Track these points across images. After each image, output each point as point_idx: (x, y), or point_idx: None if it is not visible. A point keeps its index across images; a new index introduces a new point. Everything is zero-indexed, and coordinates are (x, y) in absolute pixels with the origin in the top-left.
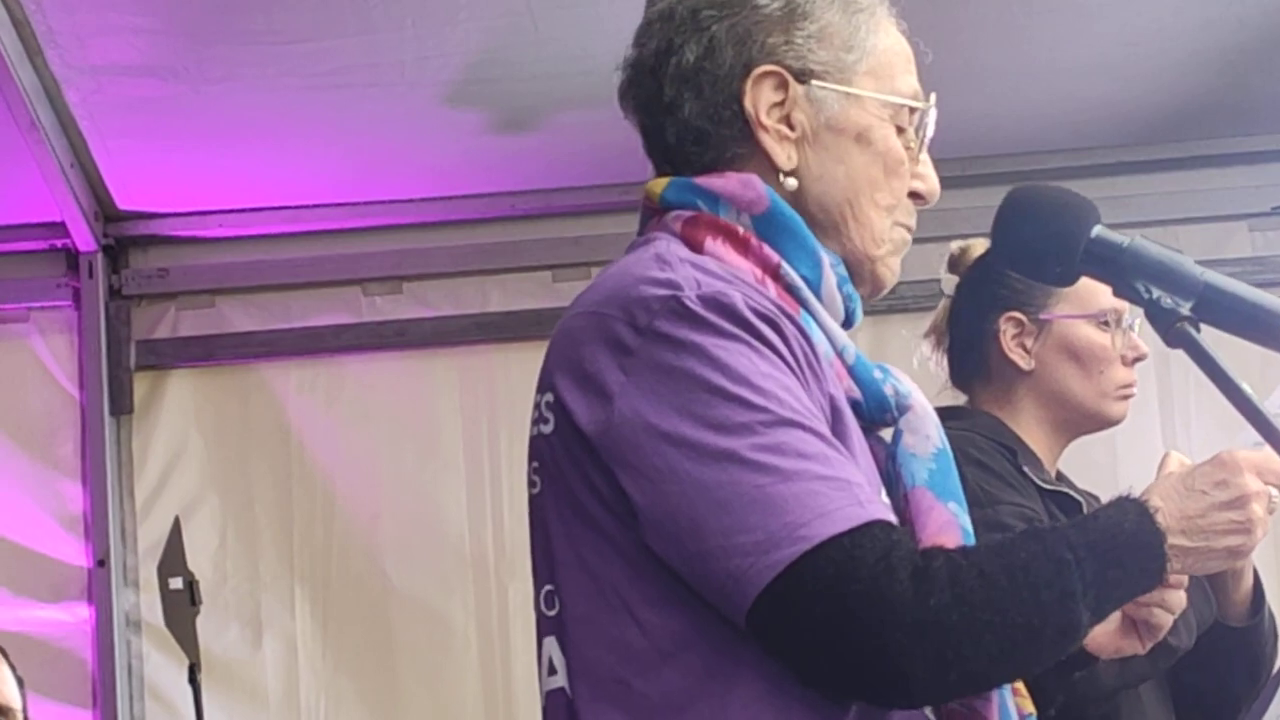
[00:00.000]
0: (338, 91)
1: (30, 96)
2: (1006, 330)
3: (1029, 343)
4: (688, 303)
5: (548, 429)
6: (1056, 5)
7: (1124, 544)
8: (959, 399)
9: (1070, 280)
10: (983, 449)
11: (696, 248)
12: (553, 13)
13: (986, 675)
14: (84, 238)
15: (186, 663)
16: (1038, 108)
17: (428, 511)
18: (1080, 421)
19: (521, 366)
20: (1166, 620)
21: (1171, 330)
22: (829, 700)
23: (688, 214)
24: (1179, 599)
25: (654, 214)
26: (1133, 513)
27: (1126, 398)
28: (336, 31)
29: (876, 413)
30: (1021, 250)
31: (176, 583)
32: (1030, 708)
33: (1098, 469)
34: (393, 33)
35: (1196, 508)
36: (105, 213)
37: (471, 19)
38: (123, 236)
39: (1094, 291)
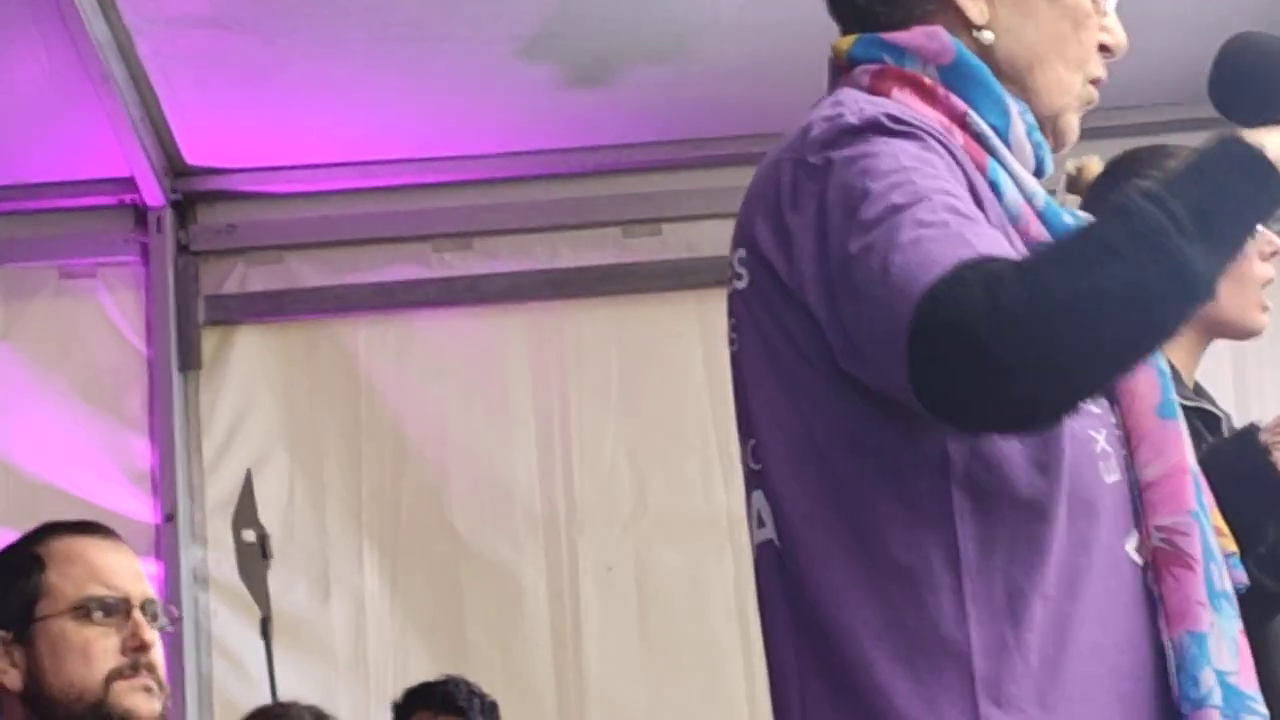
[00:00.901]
0: (411, 45)
1: (103, 49)
2: None
3: None
4: (846, 123)
5: (741, 285)
6: None
7: (1213, 164)
8: None
9: None
10: None
11: (884, 98)
12: None
13: (1096, 349)
14: (153, 193)
15: (255, 619)
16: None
17: (497, 468)
18: (1219, 329)
19: (592, 322)
20: None
21: None
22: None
23: (875, 67)
24: None
25: (841, 72)
26: (1216, 141)
27: (1265, 308)
28: None
29: None
30: (1238, 97)
31: (249, 535)
32: (1232, 547)
33: None
34: None
35: None
36: (174, 168)
37: None
38: (191, 192)
39: None
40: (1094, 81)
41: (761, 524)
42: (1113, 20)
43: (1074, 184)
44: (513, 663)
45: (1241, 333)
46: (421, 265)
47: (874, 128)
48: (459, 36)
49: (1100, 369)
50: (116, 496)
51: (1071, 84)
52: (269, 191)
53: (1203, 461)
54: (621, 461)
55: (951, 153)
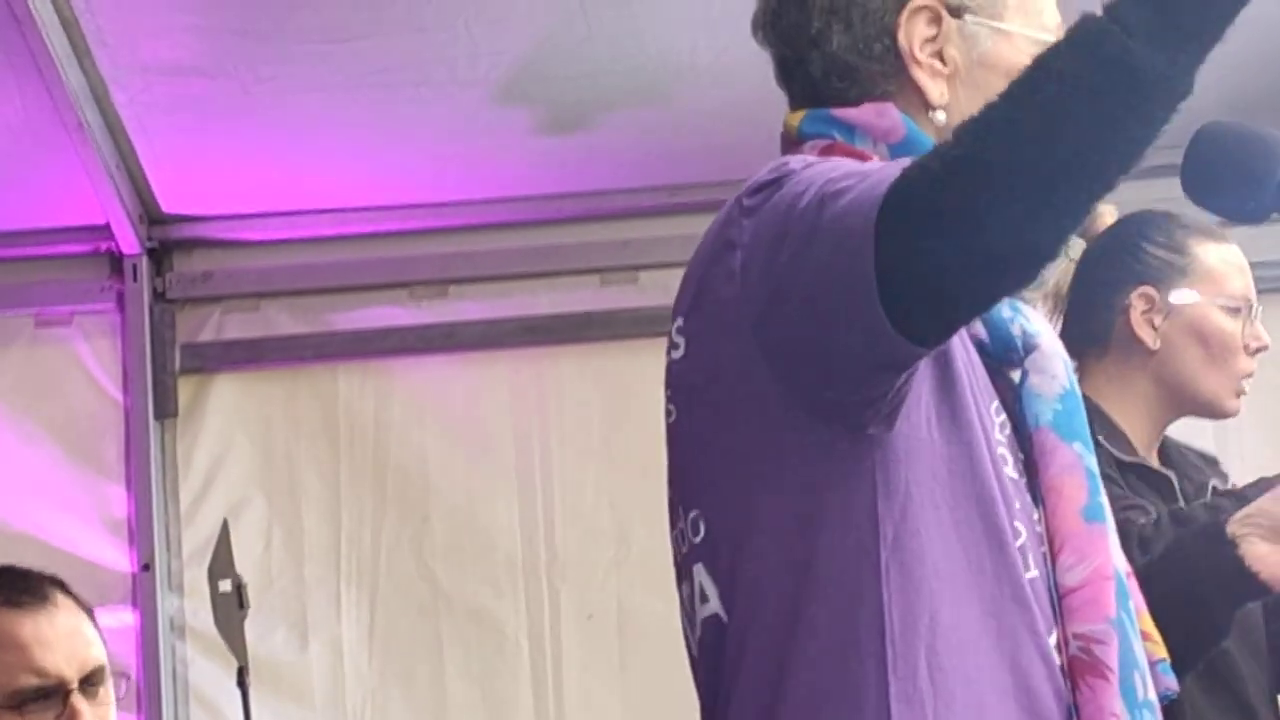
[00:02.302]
0: (387, 91)
1: (78, 97)
2: (1137, 305)
3: (1157, 320)
4: (788, 167)
5: (678, 354)
6: None
7: None
8: None
9: (1261, 217)
10: None
11: None
12: (605, 10)
13: (1048, 166)
14: (128, 241)
15: (233, 668)
16: None
17: (478, 515)
18: (1193, 407)
19: (570, 369)
20: None
21: None
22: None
23: (823, 143)
24: None
25: (791, 146)
26: None
27: (1243, 393)
28: (388, 30)
29: (1003, 353)
30: (1212, 187)
31: (225, 585)
32: (1162, 653)
33: None
34: (445, 31)
35: None
36: (150, 215)
37: (524, 16)
38: (167, 239)
39: (1226, 276)
40: None
41: (705, 599)
42: None
43: (1083, 229)
44: (493, 711)
45: (1213, 414)
46: (398, 312)
47: (811, 164)
48: (434, 82)
49: (1063, 186)
50: (92, 545)
51: None
52: (245, 239)
53: (1168, 553)
54: (603, 508)
55: None
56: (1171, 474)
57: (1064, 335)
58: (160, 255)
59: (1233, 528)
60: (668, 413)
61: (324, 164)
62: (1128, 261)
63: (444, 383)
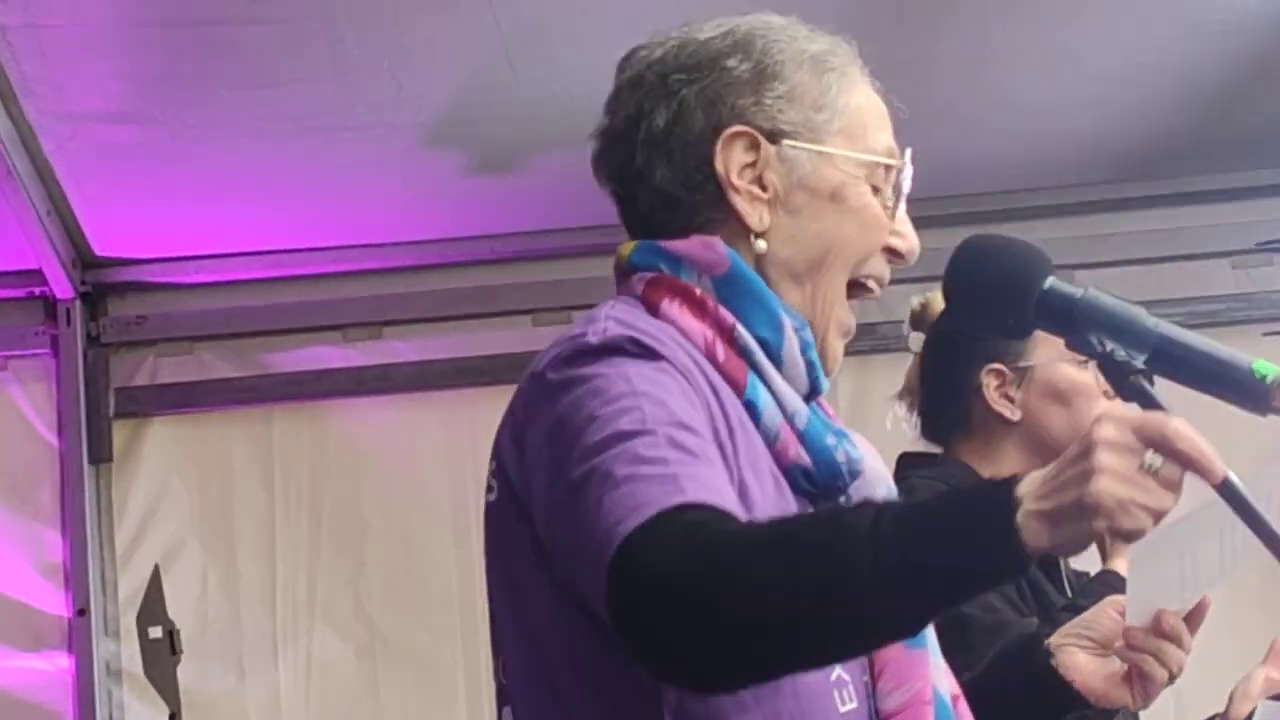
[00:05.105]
0: (316, 135)
1: (6, 144)
2: (989, 383)
3: (1013, 392)
4: (585, 343)
5: (492, 497)
6: (1030, 40)
7: (955, 506)
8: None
9: (1024, 333)
10: None
11: (654, 309)
12: (529, 53)
13: (748, 637)
14: (61, 285)
15: (167, 713)
16: (1018, 144)
17: (414, 556)
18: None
19: (503, 410)
20: (1162, 675)
21: (1125, 384)
22: None
23: (650, 275)
24: (1177, 655)
25: (621, 276)
26: (984, 485)
27: None
28: (314, 75)
29: (828, 479)
30: (973, 305)
31: (156, 632)
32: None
33: None
34: (370, 76)
35: (1051, 470)
36: (83, 259)
37: (448, 60)
38: (100, 283)
39: None
40: (873, 282)
41: None
42: (904, 225)
43: (918, 321)
44: None
45: None
46: (332, 354)
47: (612, 349)
48: (364, 126)
49: (759, 658)
50: (28, 589)
51: (842, 294)
52: (178, 282)
53: (991, 666)
54: None
55: (687, 378)
56: (1061, 562)
57: (926, 425)
58: (94, 299)
59: (1055, 637)
60: (485, 552)
61: (254, 207)
62: (971, 342)
63: (378, 424)
